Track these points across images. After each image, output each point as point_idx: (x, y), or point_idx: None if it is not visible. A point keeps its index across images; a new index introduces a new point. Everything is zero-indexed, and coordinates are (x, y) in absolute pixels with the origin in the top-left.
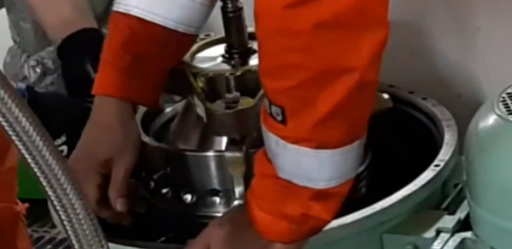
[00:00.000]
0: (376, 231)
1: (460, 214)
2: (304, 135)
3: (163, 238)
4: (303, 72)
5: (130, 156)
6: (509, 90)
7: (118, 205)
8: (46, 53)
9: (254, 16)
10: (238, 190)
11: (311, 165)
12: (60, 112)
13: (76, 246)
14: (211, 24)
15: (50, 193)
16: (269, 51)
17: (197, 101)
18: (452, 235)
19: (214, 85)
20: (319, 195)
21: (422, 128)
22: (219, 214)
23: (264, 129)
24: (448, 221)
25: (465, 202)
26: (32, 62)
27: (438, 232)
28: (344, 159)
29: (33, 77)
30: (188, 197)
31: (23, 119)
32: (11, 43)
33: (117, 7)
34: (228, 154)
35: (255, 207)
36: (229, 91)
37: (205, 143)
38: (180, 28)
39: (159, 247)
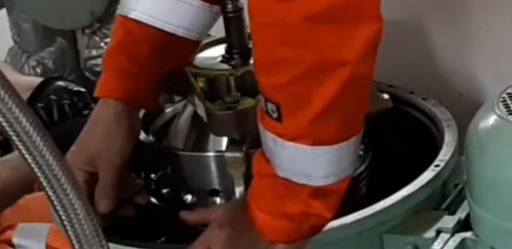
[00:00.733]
0: (376, 231)
1: (460, 214)
2: (300, 132)
3: (163, 238)
4: (296, 66)
5: (117, 156)
6: (509, 90)
7: (101, 206)
8: (47, 54)
9: (248, 11)
10: (238, 190)
11: (308, 162)
12: None
13: (76, 246)
14: None
15: (50, 193)
16: (263, 46)
17: (197, 101)
18: (452, 235)
19: (214, 86)
20: (318, 193)
21: (422, 128)
22: None
23: (261, 128)
24: (448, 221)
25: (465, 202)
26: (32, 63)
27: (438, 232)
28: (341, 155)
29: None
30: (188, 197)
31: (23, 120)
32: (11, 43)
33: (120, 10)
34: (228, 154)
35: (255, 208)
36: (229, 91)
37: (205, 143)
38: (179, 32)
39: (159, 247)
